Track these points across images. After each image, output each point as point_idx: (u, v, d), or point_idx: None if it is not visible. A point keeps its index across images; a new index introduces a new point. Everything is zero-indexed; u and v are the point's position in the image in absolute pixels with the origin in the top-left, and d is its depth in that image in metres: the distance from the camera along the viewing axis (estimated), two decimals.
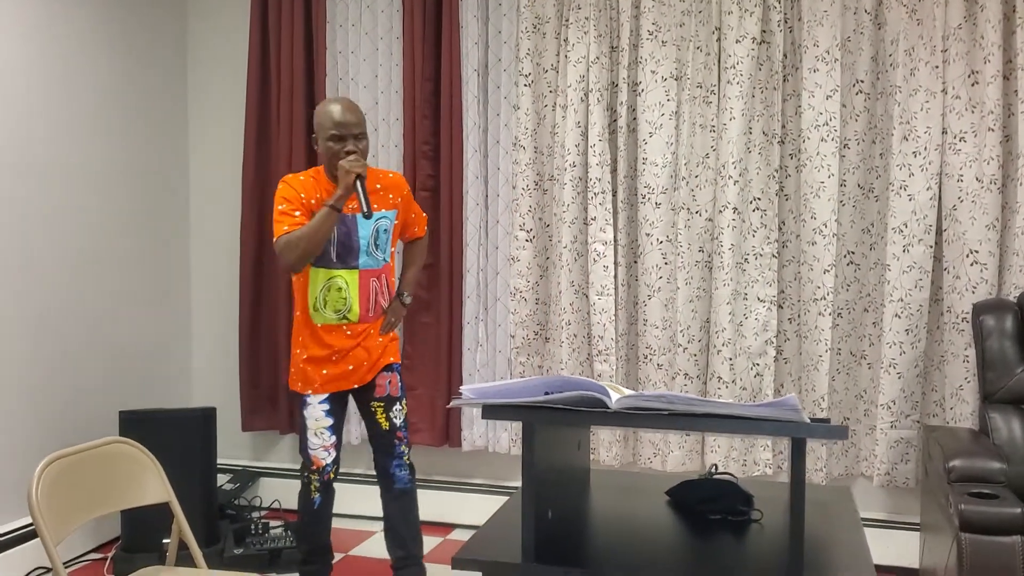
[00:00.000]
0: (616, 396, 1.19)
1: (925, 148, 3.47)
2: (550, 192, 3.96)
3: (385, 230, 3.01)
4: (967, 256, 3.43)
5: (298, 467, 3.55)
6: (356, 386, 3.05)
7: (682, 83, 3.74)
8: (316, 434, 3.00)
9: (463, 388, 1.23)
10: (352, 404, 3.15)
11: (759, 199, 3.68)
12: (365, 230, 2.95)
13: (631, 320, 3.91)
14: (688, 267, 3.76)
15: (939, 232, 3.51)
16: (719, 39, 3.68)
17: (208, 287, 4.48)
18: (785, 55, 3.65)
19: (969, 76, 3.43)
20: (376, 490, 3.19)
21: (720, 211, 3.67)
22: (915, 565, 3.52)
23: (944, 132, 3.46)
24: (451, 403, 1.32)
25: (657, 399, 1.18)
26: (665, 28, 3.74)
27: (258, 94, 4.27)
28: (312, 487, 3.03)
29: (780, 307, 3.74)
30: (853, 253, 3.66)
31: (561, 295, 3.88)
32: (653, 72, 3.75)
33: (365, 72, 4.18)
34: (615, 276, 3.84)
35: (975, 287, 3.42)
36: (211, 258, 4.47)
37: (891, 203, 3.51)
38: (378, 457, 3.09)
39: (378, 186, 3.00)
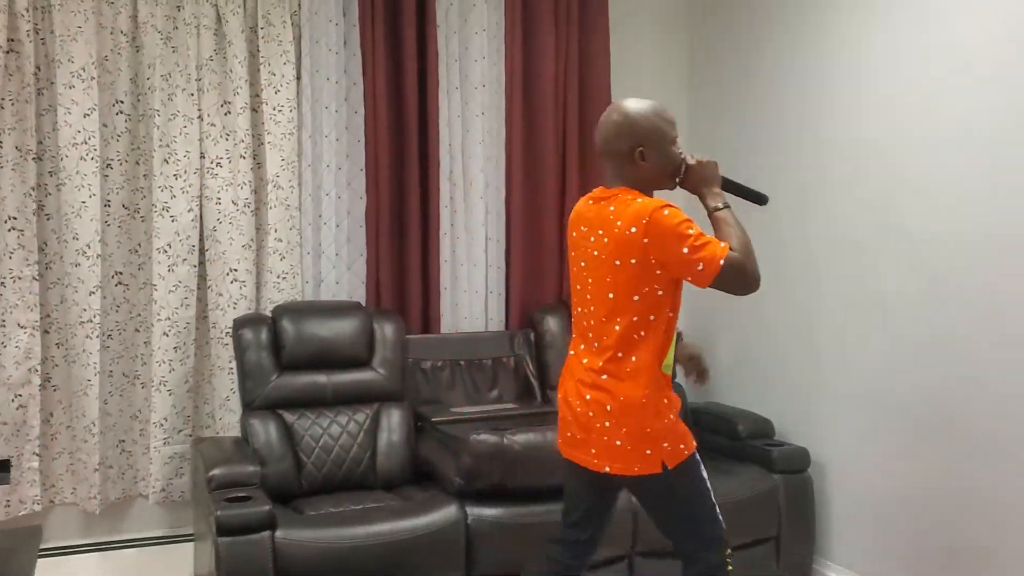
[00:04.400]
0: None
1: (185, 171, 3.60)
2: None
3: None
4: (228, 274, 3.65)
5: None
6: None
7: None
8: (714, 495, 2.39)
9: None
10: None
11: (15, 218, 3.42)
12: None
13: None
14: None
15: (203, 252, 3.67)
16: None
17: None
18: (39, 68, 3.46)
19: (223, 106, 3.66)
20: None
21: None
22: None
23: (202, 157, 3.63)
24: None
25: None
26: None
27: None
28: (730, 569, 2.36)
29: (46, 332, 3.54)
30: (121, 274, 3.63)
31: None
32: None
33: None
34: None
35: (236, 303, 3.66)
36: None
37: (156, 224, 3.57)
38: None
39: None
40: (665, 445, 2.27)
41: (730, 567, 2.35)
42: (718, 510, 2.37)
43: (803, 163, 3.63)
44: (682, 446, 2.30)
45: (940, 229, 2.98)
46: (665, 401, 2.28)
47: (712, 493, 2.36)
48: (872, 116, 3.27)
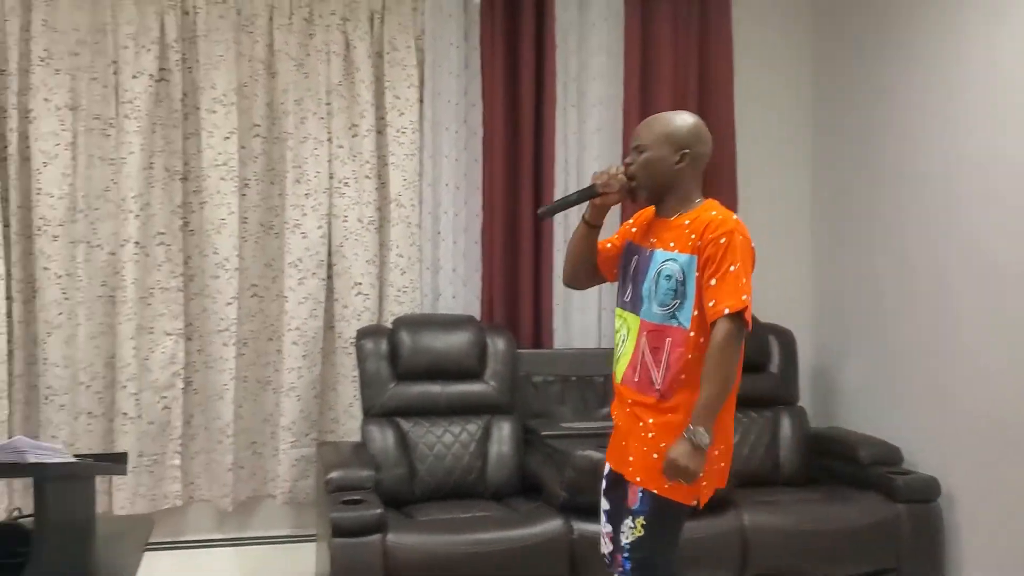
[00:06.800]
0: None
1: (315, 191, 3.82)
2: None
3: (667, 276, 2.26)
4: (353, 288, 3.84)
5: None
6: (615, 471, 2.45)
7: (78, 113, 3.63)
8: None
9: None
10: None
11: (163, 234, 3.71)
12: (650, 272, 2.31)
13: (30, 360, 3.67)
14: (90, 302, 3.65)
15: (330, 266, 3.87)
16: (116, 72, 3.65)
17: None
18: (185, 94, 3.74)
19: (350, 128, 3.86)
20: None
21: (122, 245, 3.64)
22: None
23: (331, 177, 3.84)
24: None
25: None
26: (58, 56, 3.61)
27: None
28: None
29: (189, 339, 3.81)
30: (256, 286, 3.87)
31: None
32: (46, 100, 3.59)
33: None
34: (9, 313, 3.59)
35: (360, 315, 3.84)
36: None
37: (288, 240, 3.80)
38: None
39: (686, 222, 2.29)
40: None
41: None
42: None
43: (932, 179, 3.49)
44: None
45: None
46: None
47: None
48: (1007, 129, 3.11)
